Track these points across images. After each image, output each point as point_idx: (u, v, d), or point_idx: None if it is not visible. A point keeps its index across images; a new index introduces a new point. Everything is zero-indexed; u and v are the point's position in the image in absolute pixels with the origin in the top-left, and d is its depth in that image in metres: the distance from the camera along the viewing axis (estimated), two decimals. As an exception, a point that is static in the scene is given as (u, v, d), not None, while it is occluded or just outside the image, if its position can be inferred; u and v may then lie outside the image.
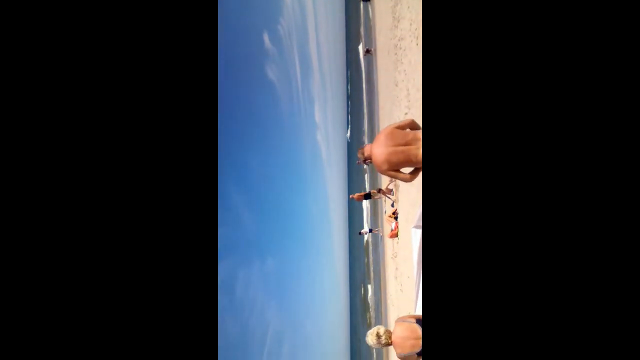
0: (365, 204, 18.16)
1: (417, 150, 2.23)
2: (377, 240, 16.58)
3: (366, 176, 20.51)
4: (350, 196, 11.39)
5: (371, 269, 21.58)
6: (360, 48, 21.90)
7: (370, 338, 2.56)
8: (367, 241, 20.89)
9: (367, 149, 2.41)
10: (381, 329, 2.54)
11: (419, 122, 2.27)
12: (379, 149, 2.30)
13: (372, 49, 19.54)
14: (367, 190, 12.03)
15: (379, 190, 11.33)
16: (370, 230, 16.17)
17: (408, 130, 2.34)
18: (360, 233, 17.41)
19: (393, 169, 2.31)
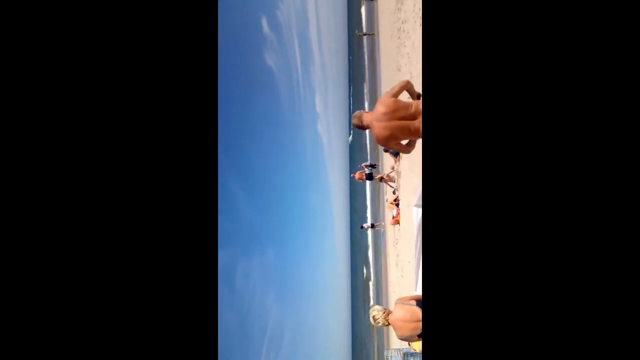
0: (368, 188, 18.11)
1: (421, 124, 2.20)
2: (379, 232, 16.61)
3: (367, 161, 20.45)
4: (352, 175, 11.30)
5: (371, 257, 21.67)
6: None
7: (370, 317, 2.61)
8: (368, 230, 20.97)
9: (367, 118, 2.33)
10: (378, 313, 2.52)
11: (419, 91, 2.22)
12: (382, 123, 2.24)
13: (372, 32, 19.34)
14: (369, 170, 11.89)
15: (381, 179, 11.28)
16: (372, 226, 16.20)
17: (409, 100, 2.26)
18: (362, 227, 17.45)
19: (397, 142, 2.29)
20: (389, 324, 2.47)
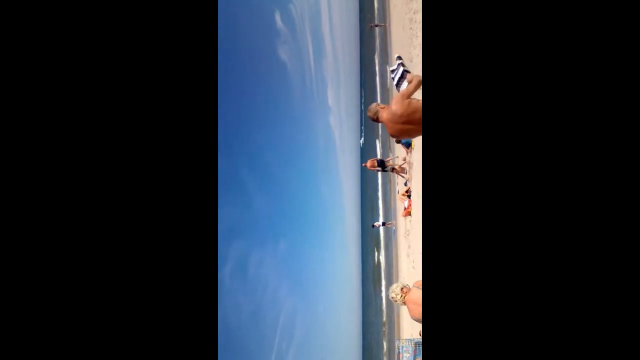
0: (380, 179, 18.07)
1: None
2: (390, 227, 16.66)
3: (378, 156, 20.36)
4: (363, 164, 11.25)
5: (382, 249, 21.66)
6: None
7: (390, 295, 2.70)
8: (380, 227, 20.98)
9: (383, 115, 2.38)
10: (397, 295, 2.59)
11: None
12: (397, 125, 2.34)
13: (383, 24, 19.20)
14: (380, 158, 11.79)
15: (392, 170, 11.22)
16: (384, 224, 16.35)
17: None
18: (373, 226, 17.70)
19: (410, 136, 2.41)
20: (405, 303, 2.55)
